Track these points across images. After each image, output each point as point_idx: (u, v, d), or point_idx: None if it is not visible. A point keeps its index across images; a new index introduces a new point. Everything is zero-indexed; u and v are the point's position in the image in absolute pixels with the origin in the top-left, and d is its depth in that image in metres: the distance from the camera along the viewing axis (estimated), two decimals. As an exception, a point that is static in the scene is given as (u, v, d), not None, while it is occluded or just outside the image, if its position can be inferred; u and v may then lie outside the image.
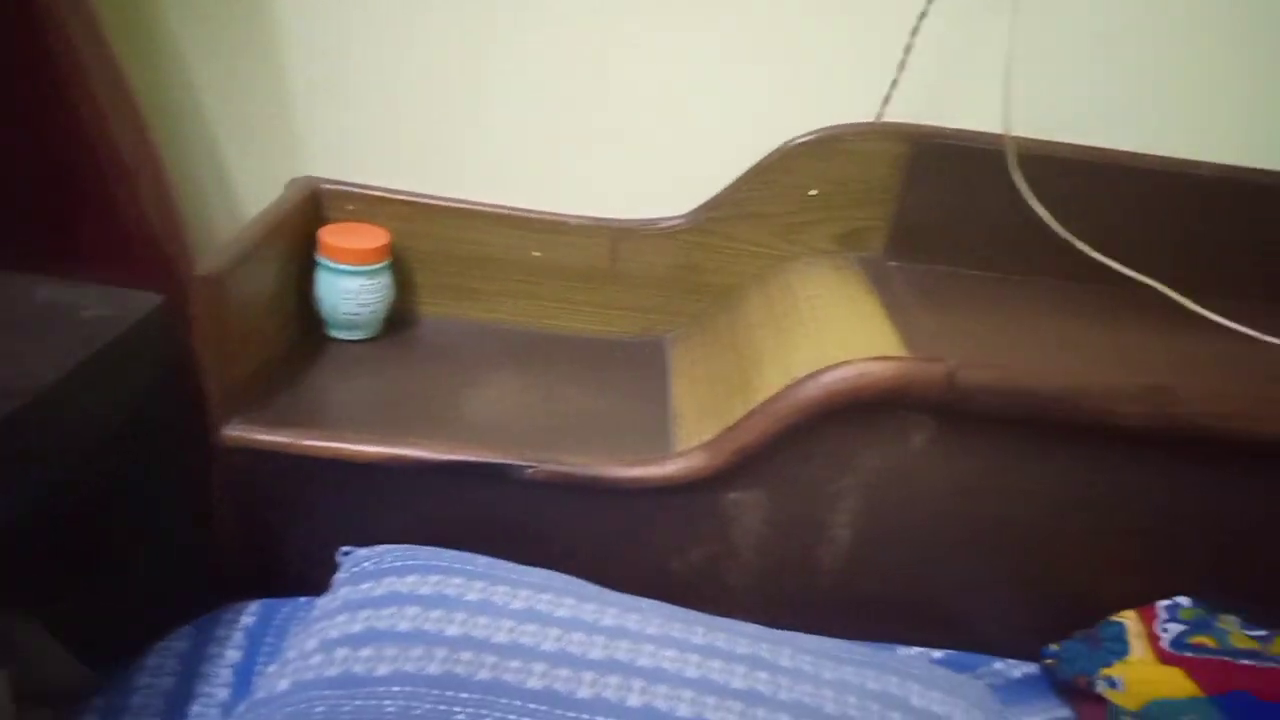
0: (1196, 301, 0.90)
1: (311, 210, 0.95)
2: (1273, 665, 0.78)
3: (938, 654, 0.84)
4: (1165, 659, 0.79)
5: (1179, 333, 0.87)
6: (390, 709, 0.57)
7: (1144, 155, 0.93)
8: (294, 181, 0.96)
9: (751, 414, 0.75)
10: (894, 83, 0.94)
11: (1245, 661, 0.78)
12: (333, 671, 0.60)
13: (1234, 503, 0.77)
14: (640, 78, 0.95)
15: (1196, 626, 0.81)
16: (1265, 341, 0.87)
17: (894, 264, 0.96)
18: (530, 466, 0.76)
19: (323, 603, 0.69)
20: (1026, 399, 0.72)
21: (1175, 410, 0.71)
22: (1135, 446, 0.74)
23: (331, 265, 0.92)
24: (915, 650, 0.83)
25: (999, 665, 0.85)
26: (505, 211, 0.97)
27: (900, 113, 0.95)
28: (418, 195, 0.97)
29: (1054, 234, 0.90)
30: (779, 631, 0.73)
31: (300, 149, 0.98)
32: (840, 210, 0.95)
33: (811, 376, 0.73)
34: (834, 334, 0.80)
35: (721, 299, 0.99)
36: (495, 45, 0.94)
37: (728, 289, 0.99)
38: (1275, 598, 0.80)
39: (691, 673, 0.64)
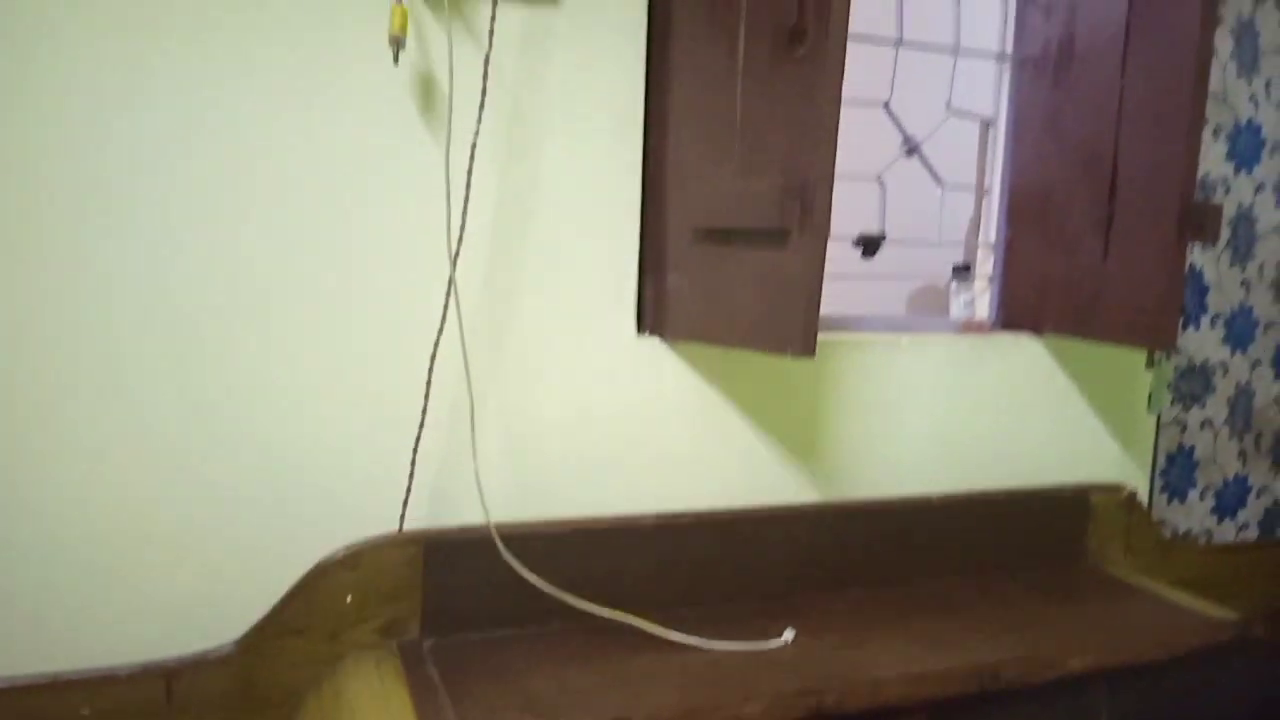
0: (665, 624, 1.16)
1: None
2: None
3: None
4: None
5: (648, 653, 1.11)
6: None
7: (602, 517, 1.22)
8: None
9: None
10: (408, 490, 1.15)
11: None
12: None
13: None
14: (181, 513, 1.07)
15: None
16: (709, 649, 1.14)
17: (430, 641, 1.13)
18: None
19: None
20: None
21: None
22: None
23: None
24: None
25: None
26: (46, 680, 1.01)
27: (420, 514, 1.15)
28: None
29: (546, 593, 1.13)
30: None
31: None
32: (376, 608, 1.12)
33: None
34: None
35: (283, 708, 1.08)
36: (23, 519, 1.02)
37: (287, 698, 1.08)
38: None
39: None
